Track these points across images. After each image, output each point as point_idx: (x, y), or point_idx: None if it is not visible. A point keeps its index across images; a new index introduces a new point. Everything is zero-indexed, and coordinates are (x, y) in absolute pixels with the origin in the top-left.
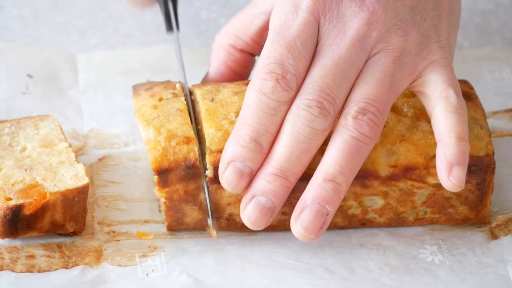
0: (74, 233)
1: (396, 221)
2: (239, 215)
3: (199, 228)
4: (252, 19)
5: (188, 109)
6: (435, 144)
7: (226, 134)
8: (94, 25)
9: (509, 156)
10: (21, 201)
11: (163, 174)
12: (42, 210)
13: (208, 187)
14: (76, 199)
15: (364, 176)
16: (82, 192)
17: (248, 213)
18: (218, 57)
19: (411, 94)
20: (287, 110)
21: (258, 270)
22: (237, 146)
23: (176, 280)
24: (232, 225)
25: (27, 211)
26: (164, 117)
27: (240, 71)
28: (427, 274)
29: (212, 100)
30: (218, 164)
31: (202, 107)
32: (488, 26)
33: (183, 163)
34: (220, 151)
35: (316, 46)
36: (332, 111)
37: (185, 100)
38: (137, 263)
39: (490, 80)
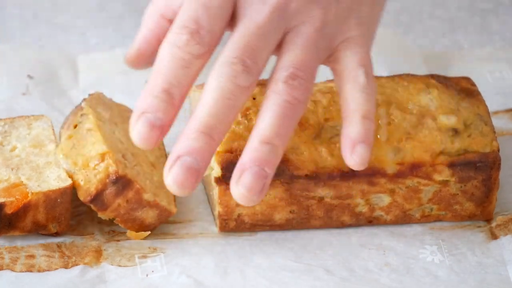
0: (57, 234)
1: (403, 219)
2: (248, 215)
3: (164, 221)
4: None
5: None
6: (441, 141)
7: (233, 134)
8: (94, 25)
9: (509, 156)
10: (2, 200)
11: (96, 199)
12: (24, 209)
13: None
14: (58, 200)
15: (371, 174)
16: (65, 194)
17: (173, 176)
18: (148, 25)
19: (415, 92)
20: (200, 66)
21: (258, 272)
22: (149, 97)
23: (175, 281)
24: (241, 226)
25: (8, 210)
26: (78, 143)
27: None
28: (427, 274)
29: None
30: (226, 164)
31: None
32: (488, 26)
33: (107, 180)
34: (227, 151)
35: (234, 13)
36: (255, 70)
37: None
38: (137, 264)
39: (490, 80)
